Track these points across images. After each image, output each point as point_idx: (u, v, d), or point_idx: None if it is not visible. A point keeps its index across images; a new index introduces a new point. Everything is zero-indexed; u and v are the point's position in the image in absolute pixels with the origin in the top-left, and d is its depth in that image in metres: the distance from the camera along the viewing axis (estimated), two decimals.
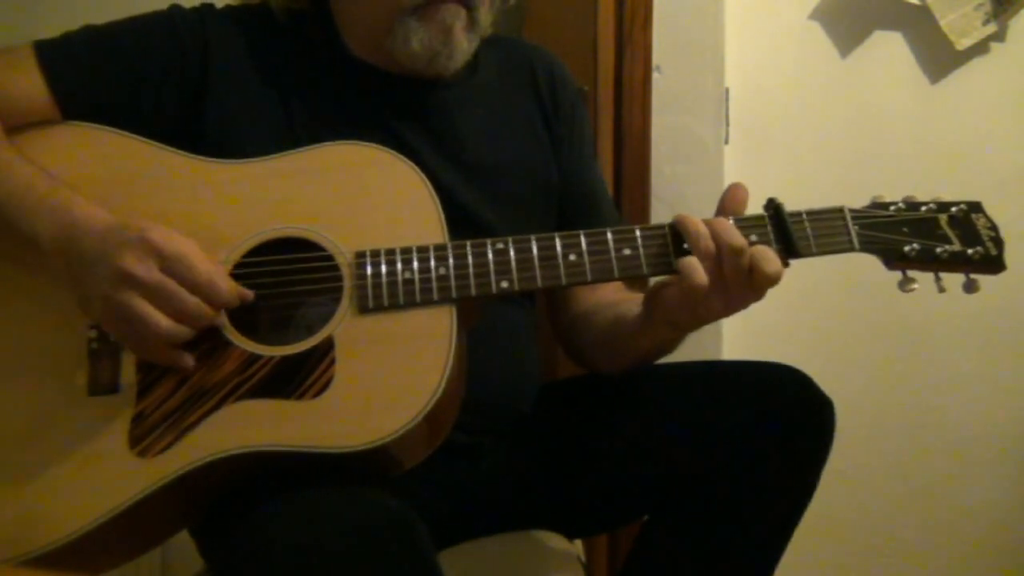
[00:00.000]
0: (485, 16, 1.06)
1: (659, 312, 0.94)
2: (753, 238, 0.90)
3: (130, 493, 0.83)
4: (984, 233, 0.93)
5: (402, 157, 0.95)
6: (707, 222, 0.89)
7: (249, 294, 0.89)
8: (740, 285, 0.88)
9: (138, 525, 0.87)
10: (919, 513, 1.79)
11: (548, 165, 1.15)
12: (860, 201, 0.96)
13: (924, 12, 1.66)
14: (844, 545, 1.79)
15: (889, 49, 1.71)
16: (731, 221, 0.89)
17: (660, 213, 1.63)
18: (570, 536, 1.15)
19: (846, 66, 1.72)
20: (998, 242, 0.93)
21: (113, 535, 0.85)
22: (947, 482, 1.77)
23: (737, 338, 1.66)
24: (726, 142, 1.65)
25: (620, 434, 1.07)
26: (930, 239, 0.93)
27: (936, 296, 0.93)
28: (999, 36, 1.67)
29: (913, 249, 0.92)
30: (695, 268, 0.87)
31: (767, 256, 0.87)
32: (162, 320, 0.83)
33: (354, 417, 0.84)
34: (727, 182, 1.60)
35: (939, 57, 1.69)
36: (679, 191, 1.63)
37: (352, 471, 0.84)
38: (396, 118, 1.07)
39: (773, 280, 0.87)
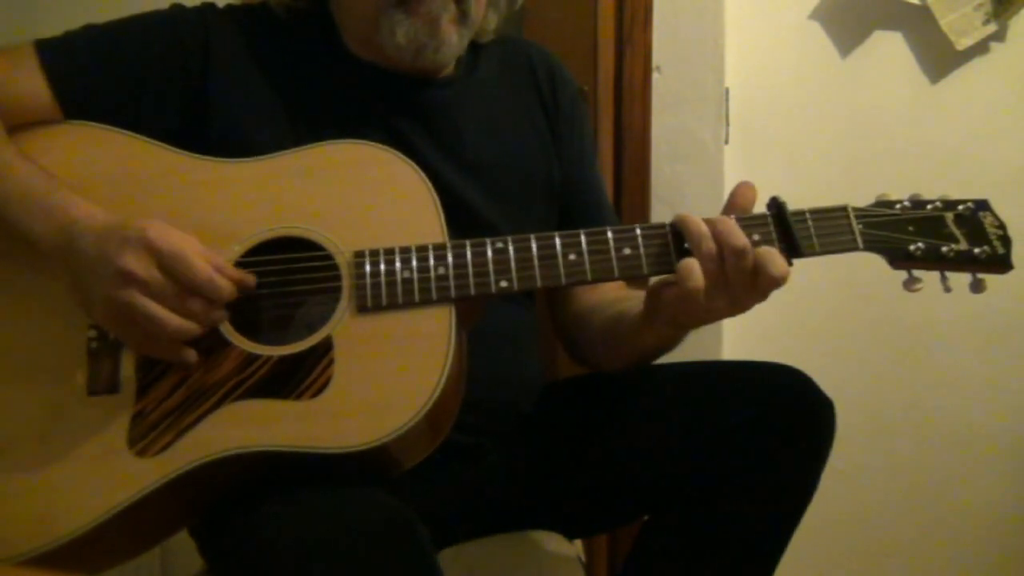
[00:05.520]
0: (476, 9, 1.06)
1: (660, 312, 0.94)
2: (756, 237, 0.89)
3: (129, 493, 0.83)
4: (991, 232, 0.92)
5: (402, 156, 0.95)
6: (709, 222, 0.88)
7: (251, 280, 0.89)
8: (744, 286, 0.87)
9: (137, 525, 0.87)
10: (919, 513, 1.78)
11: (549, 162, 1.16)
12: (860, 201, 0.95)
13: (924, 12, 1.65)
14: (844, 545, 1.79)
15: (889, 49, 1.71)
16: (734, 220, 0.88)
17: (660, 213, 1.63)
18: (570, 536, 1.15)
19: (846, 66, 1.72)
20: (1006, 241, 0.91)
21: (112, 535, 0.85)
22: (947, 482, 1.77)
23: (737, 338, 1.66)
24: (726, 142, 1.65)
25: (620, 434, 1.07)
26: (936, 238, 0.91)
27: (936, 296, 0.92)
28: (999, 36, 1.67)
29: (918, 248, 0.91)
30: (692, 270, 0.86)
31: (773, 258, 0.85)
32: (167, 317, 0.83)
33: (352, 417, 0.84)
34: (727, 182, 1.62)
35: (939, 57, 1.69)
36: (679, 191, 1.63)
37: (351, 471, 0.84)
38: (396, 116, 1.07)
39: (778, 282, 0.86)
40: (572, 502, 1.11)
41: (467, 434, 1.00)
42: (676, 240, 0.90)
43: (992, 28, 1.65)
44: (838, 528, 1.77)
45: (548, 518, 1.13)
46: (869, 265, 0.95)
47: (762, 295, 0.88)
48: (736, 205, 0.91)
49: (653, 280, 0.94)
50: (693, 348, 1.06)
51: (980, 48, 1.68)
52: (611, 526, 1.39)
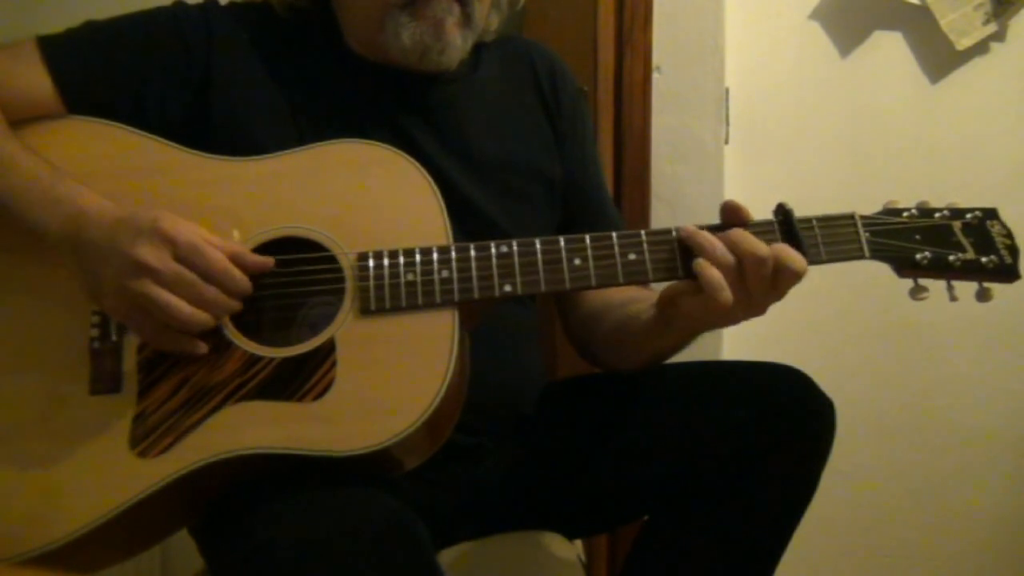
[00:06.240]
0: (480, 11, 1.06)
1: (677, 320, 0.94)
2: None
3: (130, 494, 0.83)
4: (999, 241, 0.91)
5: (406, 156, 0.95)
6: (721, 235, 0.88)
7: (269, 262, 0.89)
8: (763, 291, 0.87)
9: (137, 525, 0.87)
10: (919, 513, 1.79)
11: (551, 160, 1.16)
12: (859, 201, 0.95)
13: (924, 12, 1.65)
14: (844, 545, 1.79)
15: (889, 49, 1.71)
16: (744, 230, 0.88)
17: (660, 213, 1.63)
18: (570, 536, 1.15)
19: (846, 66, 1.72)
20: (1013, 250, 0.91)
21: (113, 535, 0.85)
22: (947, 482, 1.77)
23: (737, 338, 1.65)
24: (726, 142, 1.65)
25: (620, 434, 1.07)
26: (943, 247, 0.91)
27: (938, 297, 0.92)
28: (999, 36, 1.67)
29: (925, 257, 0.90)
30: (721, 287, 0.86)
31: (790, 255, 0.86)
32: (183, 306, 0.83)
33: (355, 421, 0.84)
34: (727, 182, 1.62)
35: (939, 57, 1.69)
36: (679, 191, 1.63)
37: (352, 472, 0.84)
38: (400, 113, 1.07)
39: (798, 278, 0.86)
40: (572, 502, 1.11)
41: (467, 434, 1.00)
42: (683, 246, 0.90)
43: (992, 28, 1.65)
44: (838, 528, 1.77)
45: (548, 518, 1.13)
46: (869, 266, 0.94)
47: (780, 295, 0.88)
48: (732, 221, 0.91)
49: (667, 288, 0.94)
50: (693, 348, 1.06)
51: (980, 48, 1.68)
52: (611, 526, 1.39)
